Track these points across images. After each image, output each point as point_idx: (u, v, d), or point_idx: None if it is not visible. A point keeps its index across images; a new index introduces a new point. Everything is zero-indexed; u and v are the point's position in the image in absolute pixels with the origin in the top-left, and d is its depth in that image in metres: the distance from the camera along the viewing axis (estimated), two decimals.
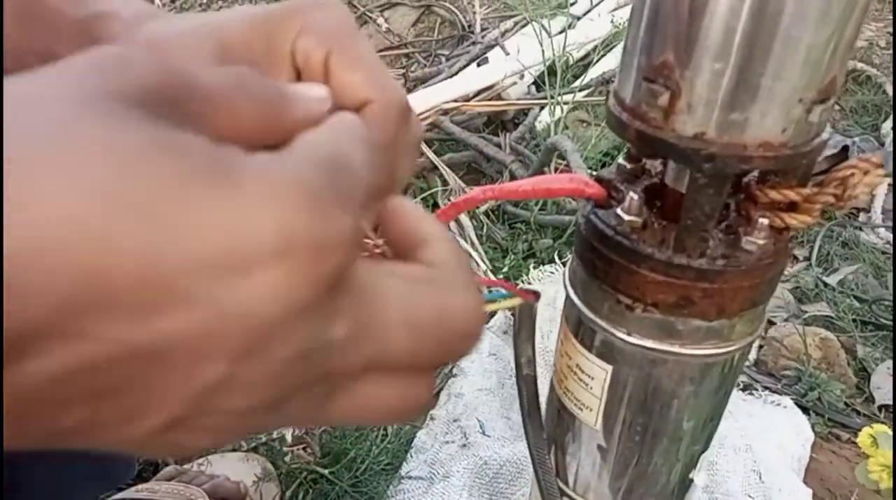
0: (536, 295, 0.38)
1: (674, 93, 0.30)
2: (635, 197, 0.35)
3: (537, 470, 0.45)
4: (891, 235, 1.55)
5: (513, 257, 1.38)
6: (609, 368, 0.40)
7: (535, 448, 0.45)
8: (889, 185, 1.71)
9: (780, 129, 0.30)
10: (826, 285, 1.38)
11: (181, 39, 0.29)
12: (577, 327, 0.41)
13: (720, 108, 0.30)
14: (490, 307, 0.36)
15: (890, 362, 1.17)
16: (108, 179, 0.14)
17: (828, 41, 0.29)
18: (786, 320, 1.27)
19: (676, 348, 0.37)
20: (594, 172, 0.40)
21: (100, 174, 0.14)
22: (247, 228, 0.16)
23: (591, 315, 0.39)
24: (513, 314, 1.18)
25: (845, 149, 1.67)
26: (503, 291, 0.37)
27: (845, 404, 1.11)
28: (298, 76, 0.28)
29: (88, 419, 0.16)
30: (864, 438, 0.56)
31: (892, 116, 1.92)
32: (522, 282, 1.29)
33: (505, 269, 1.35)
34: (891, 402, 1.11)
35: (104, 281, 0.14)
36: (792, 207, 0.35)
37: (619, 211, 0.36)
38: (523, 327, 0.39)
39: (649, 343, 0.38)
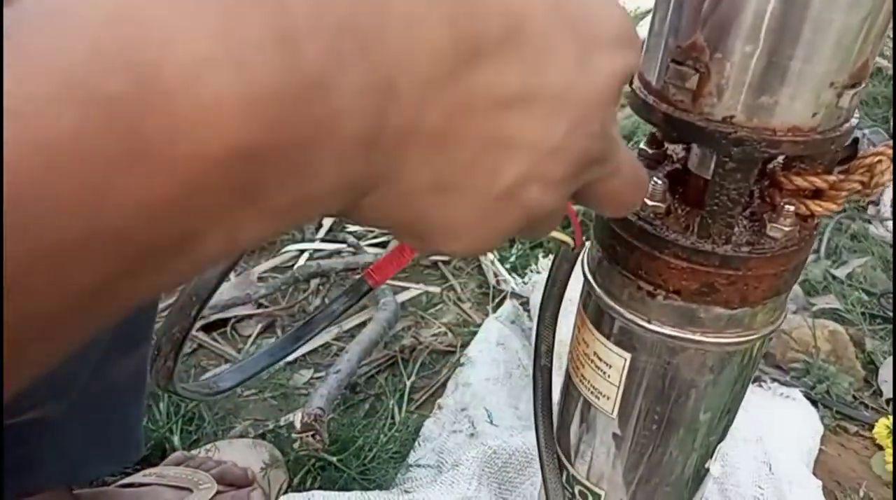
0: (583, 242, 0.38)
1: (703, 75, 0.30)
2: (659, 182, 0.35)
3: (543, 468, 0.45)
4: None
5: (520, 246, 1.37)
6: (628, 356, 0.40)
7: (545, 446, 0.45)
8: None
9: (811, 113, 0.30)
10: (835, 277, 1.37)
11: None
12: (595, 314, 0.41)
13: (749, 91, 0.30)
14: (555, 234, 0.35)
15: None
16: None
17: (861, 24, 0.28)
18: (794, 312, 1.26)
19: (697, 337, 0.37)
20: None
21: None
22: (622, 16, 0.20)
23: (610, 302, 0.39)
24: (522, 304, 1.17)
25: (855, 141, 1.66)
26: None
27: (853, 397, 1.11)
28: None
29: (473, 155, 0.19)
30: (880, 429, 0.56)
31: (892, 112, 1.90)
32: (531, 271, 1.29)
33: (512, 258, 1.34)
34: None
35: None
36: (817, 194, 0.35)
37: None
38: (547, 309, 0.39)
39: (670, 331, 0.37)
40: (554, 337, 0.44)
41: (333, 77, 0.14)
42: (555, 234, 0.36)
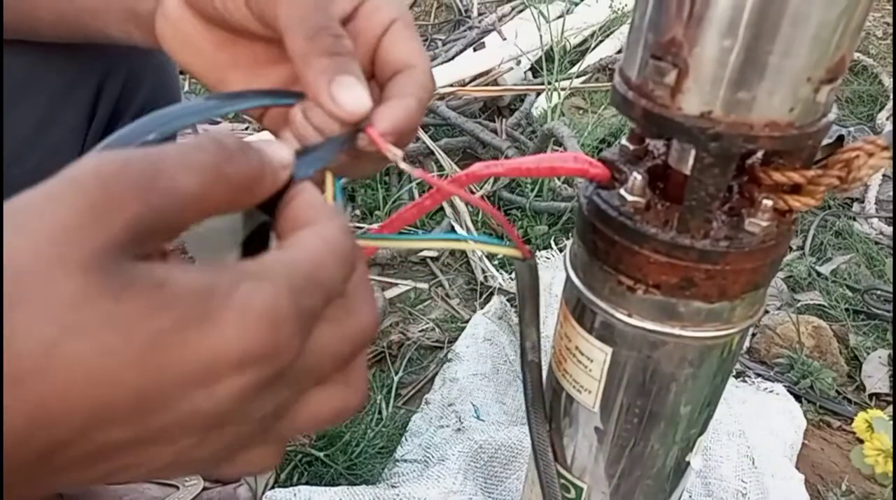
0: (531, 253, 0.39)
1: (681, 70, 0.30)
2: (639, 177, 0.35)
3: (539, 461, 0.45)
4: (884, 226, 1.55)
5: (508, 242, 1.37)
6: (609, 350, 0.40)
7: (538, 439, 0.45)
8: (883, 175, 1.72)
9: (788, 108, 0.30)
10: (819, 274, 1.38)
11: None
12: (577, 308, 0.41)
13: (727, 86, 0.30)
14: (478, 248, 0.37)
15: (881, 352, 1.18)
16: (114, 339, 0.20)
17: (838, 19, 0.29)
18: (779, 308, 1.28)
19: (677, 331, 0.37)
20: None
21: (108, 338, 0.20)
22: (219, 351, 0.21)
23: (591, 297, 0.39)
24: (509, 300, 1.17)
25: (841, 138, 1.67)
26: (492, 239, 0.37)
27: (837, 392, 1.12)
28: (351, 15, 0.34)
29: (105, 476, 0.22)
30: (859, 422, 0.56)
31: (886, 107, 1.92)
32: None
33: (500, 255, 1.35)
34: (881, 390, 1.12)
35: (105, 407, 0.20)
36: (795, 189, 0.35)
37: (622, 191, 0.36)
38: (527, 307, 0.39)
39: (650, 325, 0.38)
40: (538, 333, 0.44)
41: None
42: (503, 250, 0.37)
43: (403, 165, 0.32)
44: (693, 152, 0.33)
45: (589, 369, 0.42)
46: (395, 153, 0.31)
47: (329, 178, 0.32)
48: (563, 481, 0.49)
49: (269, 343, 0.22)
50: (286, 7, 0.32)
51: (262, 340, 0.22)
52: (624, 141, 0.39)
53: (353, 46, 0.32)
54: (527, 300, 0.41)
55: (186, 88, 1.87)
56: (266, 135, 0.36)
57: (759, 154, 0.36)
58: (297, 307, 0.23)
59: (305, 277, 0.24)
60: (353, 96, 0.31)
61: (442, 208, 1.42)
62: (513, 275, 1.28)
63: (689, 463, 0.46)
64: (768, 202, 0.34)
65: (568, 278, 0.41)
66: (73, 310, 0.19)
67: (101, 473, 0.22)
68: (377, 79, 0.35)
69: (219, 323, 0.21)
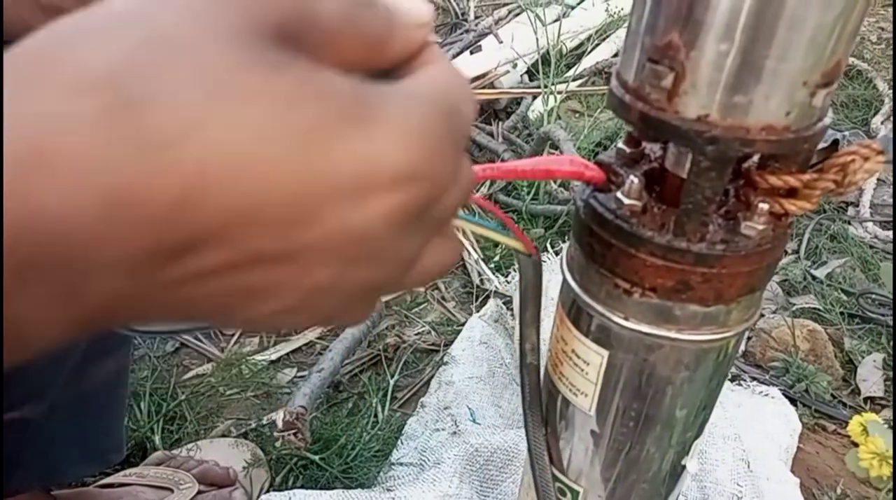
0: (536, 249, 0.38)
1: (678, 74, 0.30)
2: (635, 180, 0.35)
3: (534, 465, 0.45)
4: (878, 230, 1.56)
5: (504, 246, 1.37)
6: (605, 353, 0.40)
7: (534, 442, 0.45)
8: (878, 179, 1.73)
9: (784, 112, 0.30)
10: (814, 277, 1.39)
11: None
12: (573, 311, 0.41)
13: (724, 90, 0.30)
14: (481, 232, 0.36)
15: (876, 355, 1.19)
16: (267, 123, 0.17)
17: (834, 23, 0.29)
18: (774, 312, 1.28)
19: (673, 334, 0.37)
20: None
21: (261, 119, 0.17)
22: (377, 161, 0.19)
23: (588, 300, 0.39)
24: (505, 303, 1.17)
25: (835, 142, 1.68)
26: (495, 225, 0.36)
27: (832, 395, 1.12)
28: None
29: (221, 303, 0.19)
30: (854, 426, 0.57)
31: (881, 111, 1.93)
32: (514, 271, 1.29)
33: (496, 257, 1.35)
34: (876, 394, 1.12)
35: (257, 204, 0.17)
36: (791, 193, 0.35)
37: (618, 195, 0.36)
38: (528, 308, 0.39)
39: (646, 328, 0.38)
40: (538, 335, 0.44)
41: None
42: (507, 240, 0.36)
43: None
44: (689, 156, 0.33)
45: (585, 373, 0.42)
46: None
47: None
48: (558, 484, 0.49)
49: (429, 161, 0.20)
50: None
51: (423, 156, 0.20)
52: (620, 144, 0.39)
53: None
54: (529, 300, 0.41)
55: None
56: None
57: (756, 158, 0.36)
58: (453, 131, 0.21)
59: (452, 102, 0.22)
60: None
61: None
62: (508, 278, 1.28)
63: (685, 467, 0.46)
64: (764, 206, 0.34)
65: (564, 280, 0.41)
66: (225, 82, 0.17)
67: (225, 293, 0.19)
68: None
69: (378, 129, 0.19)
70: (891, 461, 0.54)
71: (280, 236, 0.18)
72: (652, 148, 0.39)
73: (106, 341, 0.64)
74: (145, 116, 0.16)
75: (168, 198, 0.16)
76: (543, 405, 0.48)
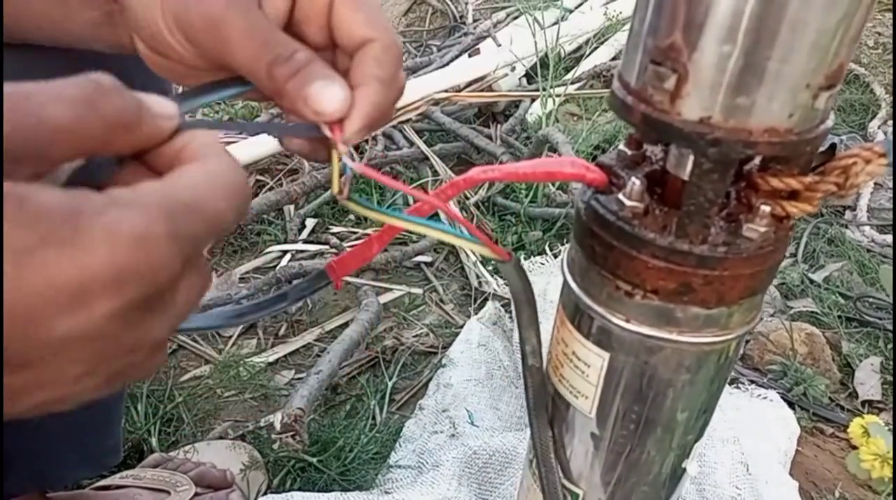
0: (510, 255, 0.38)
1: (680, 76, 0.30)
2: (637, 182, 0.35)
3: (541, 468, 0.45)
4: (875, 234, 1.56)
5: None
6: (606, 355, 0.40)
7: (541, 446, 0.44)
8: (875, 183, 1.73)
9: (787, 114, 0.30)
10: (812, 281, 1.39)
11: None
12: (574, 313, 0.41)
13: (726, 91, 0.30)
14: (452, 241, 0.36)
15: (874, 359, 1.19)
16: None
17: (837, 26, 0.29)
18: (772, 315, 1.28)
19: (674, 336, 0.37)
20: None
21: None
22: (86, 270, 0.21)
23: (589, 302, 0.39)
24: (503, 306, 1.17)
25: (833, 146, 1.69)
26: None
27: (830, 399, 1.12)
28: (293, 5, 0.33)
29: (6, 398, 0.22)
30: (855, 428, 0.56)
31: (878, 116, 1.94)
32: None
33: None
34: (874, 397, 1.12)
35: None
36: (793, 195, 0.35)
37: (620, 196, 0.35)
38: (523, 311, 0.39)
39: (647, 330, 0.37)
40: (538, 336, 0.44)
41: None
42: (482, 249, 0.36)
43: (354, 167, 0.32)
44: (691, 158, 0.33)
45: (586, 375, 0.42)
46: (347, 161, 0.32)
47: (335, 156, 0.32)
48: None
49: (143, 262, 0.22)
50: (231, 54, 0.32)
51: (135, 259, 0.22)
52: (622, 146, 0.39)
53: (308, 52, 0.32)
54: (522, 303, 0.41)
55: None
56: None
57: (757, 160, 0.36)
58: (174, 231, 0.23)
59: (185, 205, 0.24)
60: (328, 98, 0.31)
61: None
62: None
63: (685, 469, 0.46)
64: (766, 208, 0.34)
65: (565, 282, 0.41)
66: None
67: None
68: (342, 50, 0.35)
69: (86, 243, 0.21)
70: (891, 463, 0.54)
71: (22, 347, 0.21)
72: (653, 150, 0.39)
73: None
74: None
75: None
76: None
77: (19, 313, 0.20)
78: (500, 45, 1.87)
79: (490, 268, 1.32)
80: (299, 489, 0.87)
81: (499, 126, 1.72)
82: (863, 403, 1.12)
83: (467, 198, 1.48)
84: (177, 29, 0.33)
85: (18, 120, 0.21)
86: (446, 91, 1.72)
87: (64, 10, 0.41)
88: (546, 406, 0.44)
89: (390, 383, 1.08)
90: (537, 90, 1.73)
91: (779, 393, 1.08)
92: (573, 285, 0.40)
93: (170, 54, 0.35)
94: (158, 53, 0.36)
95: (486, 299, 1.25)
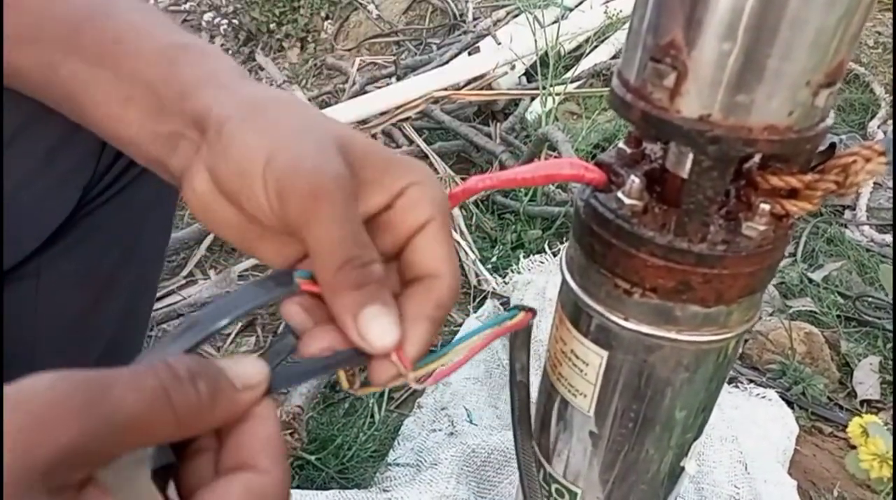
0: (532, 312, 0.37)
1: (680, 73, 0.30)
2: (636, 181, 0.35)
3: (523, 477, 0.45)
4: (875, 233, 1.56)
5: (501, 247, 1.37)
6: (604, 353, 0.40)
7: (523, 455, 0.45)
8: (874, 183, 1.73)
9: (787, 112, 0.30)
10: (811, 280, 1.39)
11: (295, 139, 0.31)
12: (573, 312, 0.41)
13: (726, 89, 0.30)
14: (474, 350, 0.35)
15: (872, 358, 1.19)
16: None
17: (837, 24, 0.29)
18: (771, 314, 1.28)
19: (673, 335, 0.37)
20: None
21: None
22: None
23: (588, 300, 0.39)
24: (503, 304, 1.16)
25: (832, 146, 1.69)
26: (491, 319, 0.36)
27: (828, 398, 1.12)
28: (386, 207, 0.32)
29: None
30: (854, 428, 0.57)
31: (878, 115, 1.94)
32: (512, 272, 1.29)
33: (493, 259, 1.34)
34: (872, 397, 1.12)
35: None
36: (793, 193, 0.35)
37: (619, 195, 0.35)
38: (519, 334, 0.39)
39: (646, 329, 0.37)
40: (528, 356, 0.43)
41: None
42: (496, 333, 0.36)
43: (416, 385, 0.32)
44: (691, 156, 0.33)
45: (584, 373, 0.42)
46: (411, 379, 0.31)
47: (342, 376, 0.32)
48: (556, 485, 0.49)
49: None
50: (315, 229, 0.30)
51: None
52: (621, 144, 0.39)
53: (381, 271, 0.31)
54: (521, 331, 0.40)
55: None
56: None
57: (757, 158, 0.36)
58: None
59: None
60: (379, 329, 0.29)
61: None
62: (506, 279, 1.28)
63: (683, 468, 0.46)
64: (766, 207, 0.34)
65: (564, 281, 0.41)
66: None
67: None
68: (401, 273, 0.34)
69: None
70: (891, 463, 0.54)
71: None
72: (653, 148, 0.39)
73: (116, 353, 0.63)
74: None
75: None
76: (542, 406, 0.48)
77: None
78: (499, 44, 1.87)
79: (489, 266, 1.32)
80: (297, 487, 0.87)
81: (498, 124, 1.72)
82: (861, 402, 1.12)
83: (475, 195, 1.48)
84: (273, 185, 0.30)
85: (92, 425, 0.22)
86: (446, 89, 1.71)
87: (122, 110, 0.37)
88: (529, 420, 0.44)
89: None
90: (537, 89, 1.73)
91: (777, 392, 1.08)
92: (572, 283, 0.40)
93: (242, 204, 0.32)
94: (225, 200, 0.33)
95: (484, 298, 1.25)
